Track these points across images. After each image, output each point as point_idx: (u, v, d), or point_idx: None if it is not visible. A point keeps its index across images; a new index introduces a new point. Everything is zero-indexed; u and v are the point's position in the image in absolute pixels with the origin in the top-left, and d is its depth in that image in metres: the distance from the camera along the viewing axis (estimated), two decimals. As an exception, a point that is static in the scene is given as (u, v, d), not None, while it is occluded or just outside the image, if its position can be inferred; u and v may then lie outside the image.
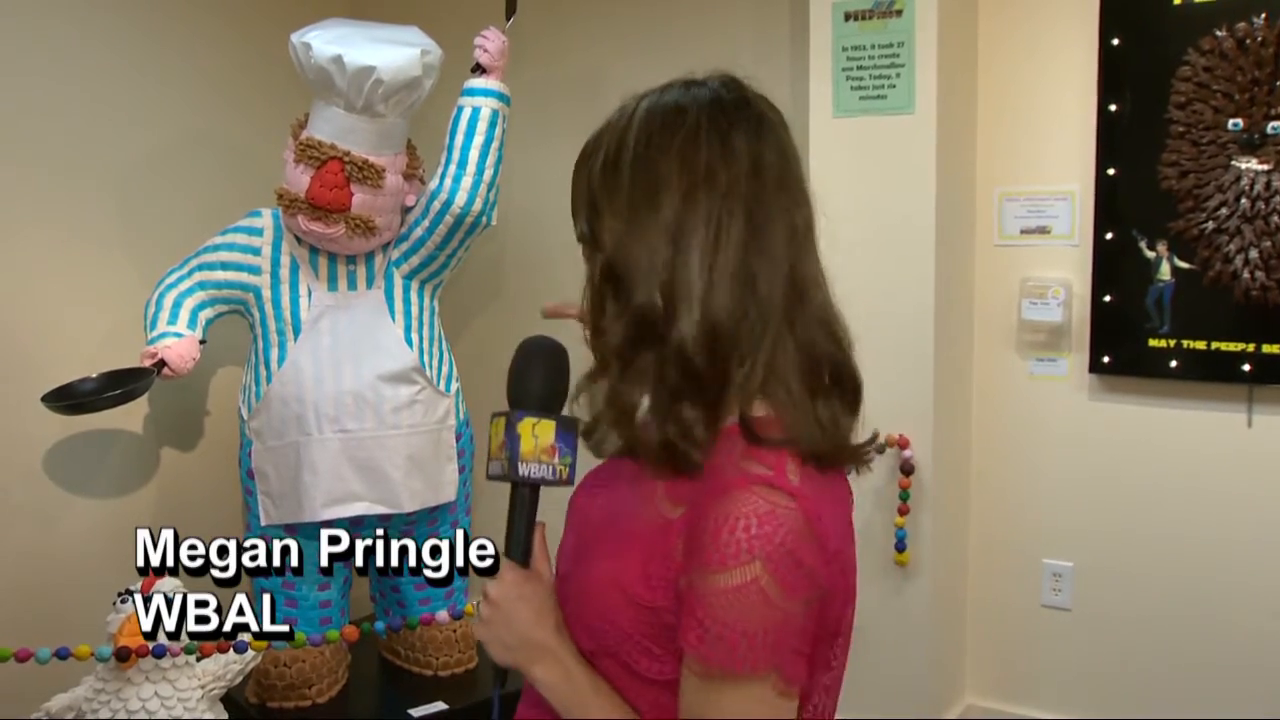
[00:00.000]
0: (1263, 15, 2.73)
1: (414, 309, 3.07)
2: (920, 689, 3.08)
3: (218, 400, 3.46)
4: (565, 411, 1.18)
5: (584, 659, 1.13)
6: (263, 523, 2.99)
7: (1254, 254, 2.78)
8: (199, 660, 2.71)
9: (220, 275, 3.01)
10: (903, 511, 2.98)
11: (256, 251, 3.02)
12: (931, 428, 2.98)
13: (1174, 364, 2.90)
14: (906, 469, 2.97)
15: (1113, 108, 2.93)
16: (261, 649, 2.75)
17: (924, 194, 2.94)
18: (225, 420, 3.35)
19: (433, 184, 2.98)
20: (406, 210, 3.04)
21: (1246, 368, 2.81)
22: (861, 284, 3.00)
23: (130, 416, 3.22)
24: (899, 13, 2.95)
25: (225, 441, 3.33)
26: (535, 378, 1.18)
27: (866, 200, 3.01)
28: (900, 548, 3.00)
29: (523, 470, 1.14)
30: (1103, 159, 2.95)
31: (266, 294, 2.99)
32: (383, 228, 2.96)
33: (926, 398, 2.97)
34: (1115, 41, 2.91)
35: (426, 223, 3.00)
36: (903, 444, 2.97)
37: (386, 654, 3.29)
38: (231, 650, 2.70)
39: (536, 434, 1.14)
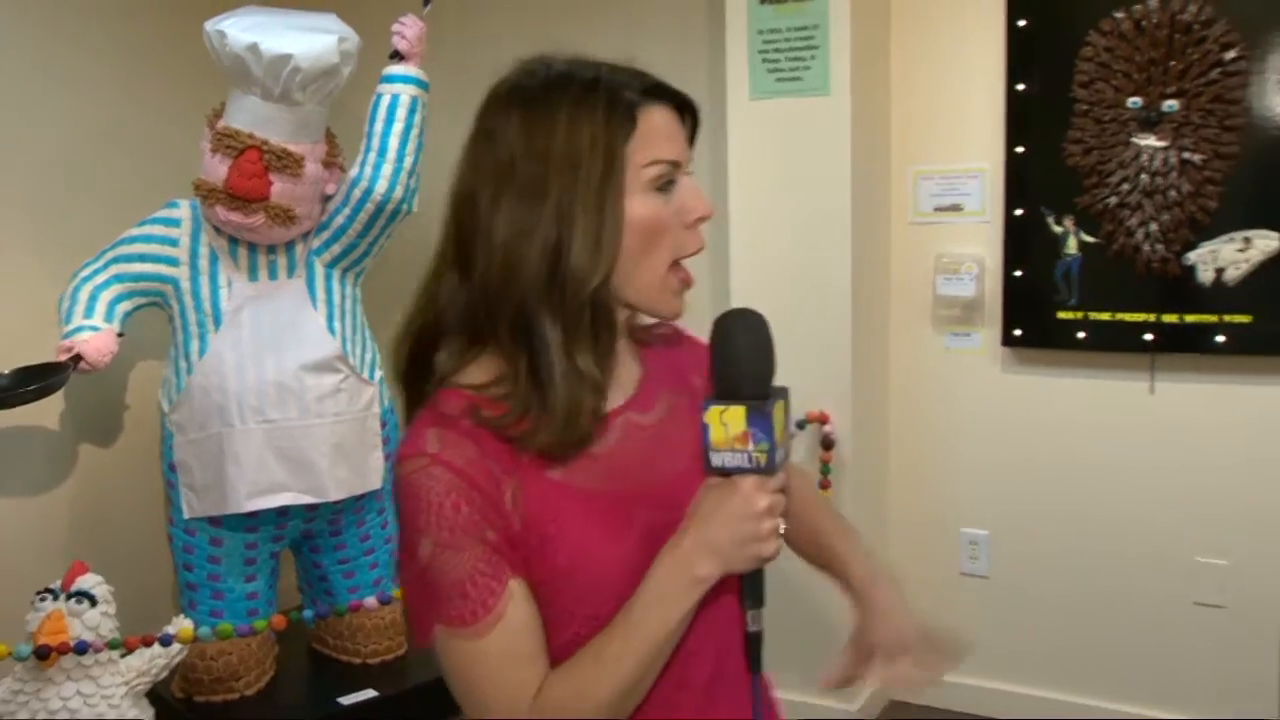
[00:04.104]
0: (1158, -2, 2.83)
1: (336, 297, 3.06)
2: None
3: (137, 394, 3.41)
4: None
5: None
6: (186, 515, 2.96)
7: (1154, 227, 2.89)
8: (123, 656, 2.68)
9: (138, 267, 2.97)
10: (825, 485, 3.04)
11: (175, 242, 2.98)
12: (850, 403, 3.04)
13: (1082, 335, 3.00)
14: (827, 444, 3.03)
15: (1020, 87, 3.02)
16: (189, 641, 2.73)
17: (840, 174, 3.00)
18: (145, 414, 3.31)
19: (353, 172, 2.97)
20: (327, 199, 3.03)
21: (1149, 337, 2.92)
22: (780, 263, 3.08)
23: (46, 413, 3.16)
24: (812, -4, 3.00)
25: (146, 435, 3.28)
26: (726, 360, 1.11)
27: (784, 181, 3.07)
28: (824, 521, 3.06)
29: (715, 460, 1.08)
30: (1012, 137, 3.04)
31: (186, 285, 2.96)
32: (303, 217, 2.94)
33: (845, 373, 3.03)
34: (1021, 23, 3.00)
35: (348, 211, 2.98)
36: (823, 419, 3.03)
37: (315, 644, 3.27)
38: (157, 644, 2.68)
39: (726, 422, 1.07)
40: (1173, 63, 2.82)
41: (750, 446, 1.07)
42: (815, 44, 3.01)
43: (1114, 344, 2.97)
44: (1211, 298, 2.86)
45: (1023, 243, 3.04)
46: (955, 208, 3.15)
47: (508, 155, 1.10)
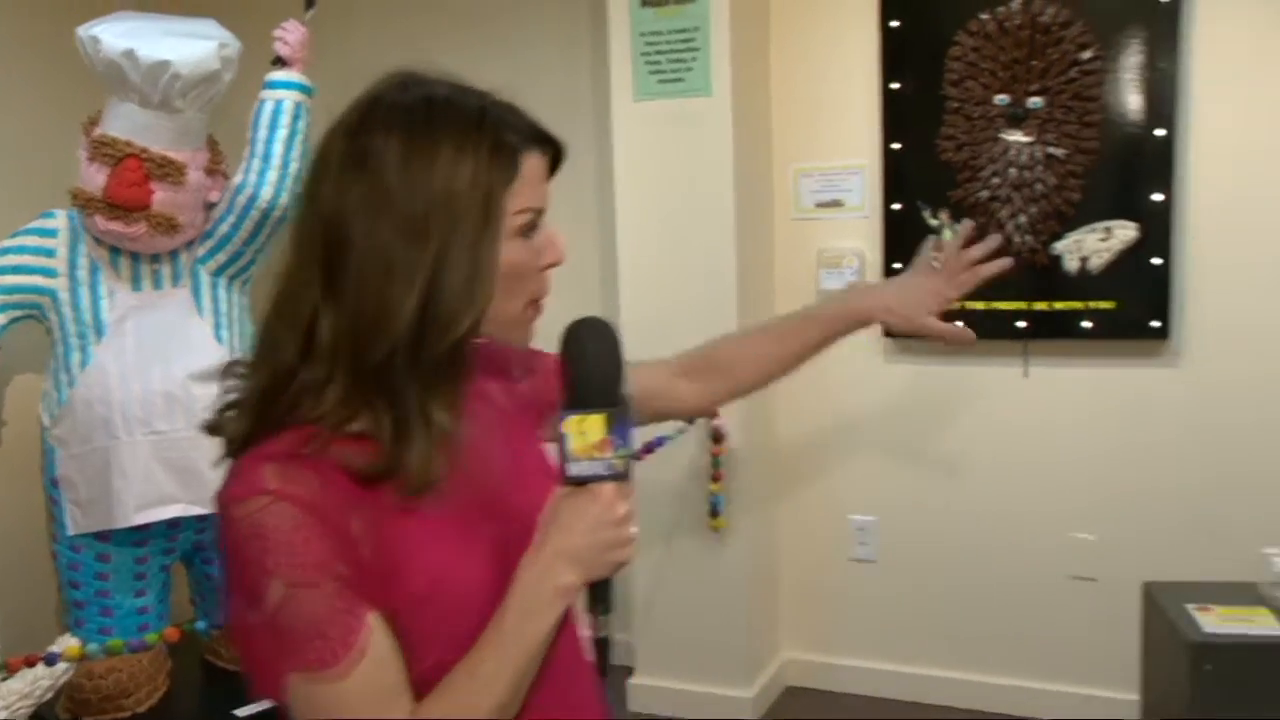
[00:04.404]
0: (1019, 1, 2.95)
1: (223, 305, 3.02)
2: (738, 646, 3.22)
3: (14, 409, 3.31)
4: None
5: None
6: (71, 532, 2.89)
7: (1023, 219, 3.02)
8: (4, 679, 2.61)
9: (12, 279, 2.89)
10: (717, 478, 3.11)
11: (51, 253, 2.91)
12: (741, 396, 3.11)
13: (959, 324, 3.09)
14: (717, 437, 3.10)
15: (895, 86, 3.12)
16: (76, 659, 2.67)
17: (723, 172, 3.06)
18: (23, 428, 3.22)
19: (237, 179, 2.94)
20: (210, 206, 2.99)
21: (1022, 324, 3.05)
22: (667, 261, 3.14)
23: (-82, 430, 3.06)
24: (693, -1, 3.07)
25: (23, 451, 3.19)
26: (579, 368, 1.11)
27: (669, 180, 3.13)
28: (715, 513, 3.12)
29: (574, 470, 1.07)
30: (888, 134, 3.14)
31: (65, 296, 2.90)
32: (186, 225, 2.90)
33: (734, 367, 3.10)
34: (894, 24, 3.10)
35: (233, 219, 2.96)
36: (713, 413, 3.09)
37: (209, 656, 3.23)
38: (41, 665, 2.62)
39: (584, 430, 1.07)
40: (1035, 61, 2.95)
41: (610, 454, 1.07)
42: (696, 46, 3.07)
43: (989, 331, 3.08)
44: (1078, 285, 2.99)
45: (901, 236, 3.15)
46: (836, 203, 3.24)
47: (384, 184, 1.04)
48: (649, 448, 3.04)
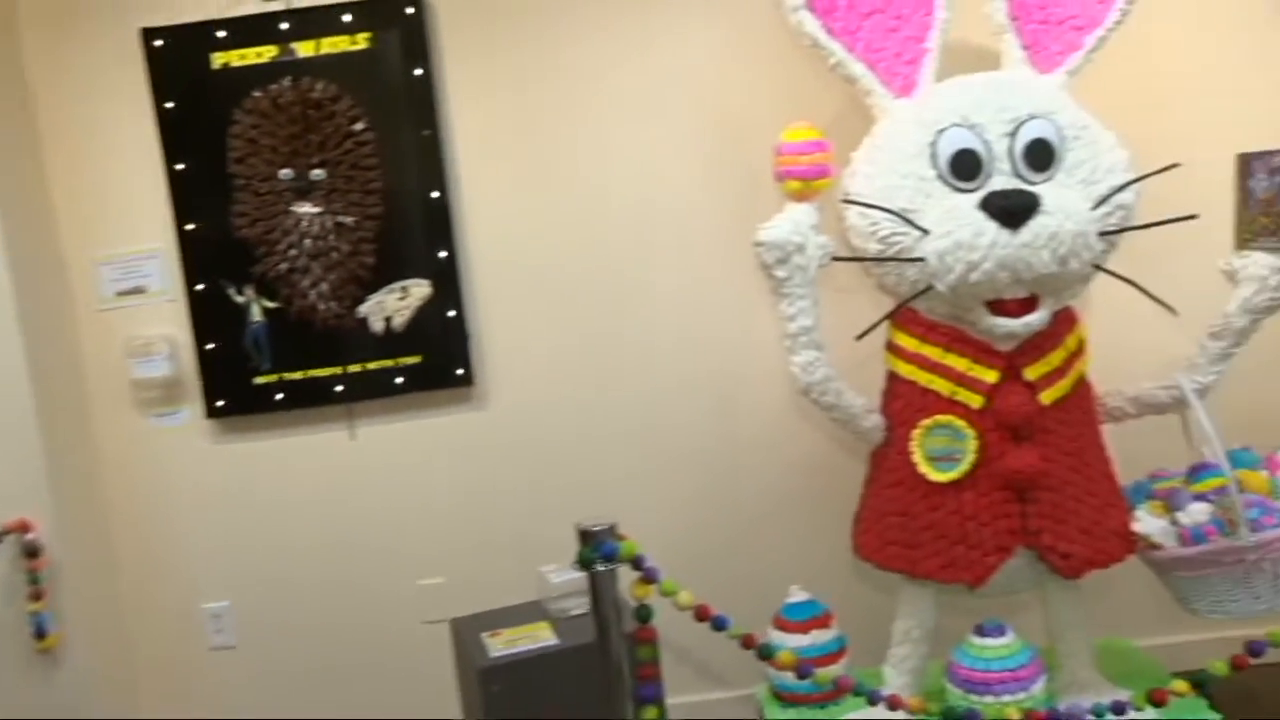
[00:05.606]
0: (289, 79, 3.04)
1: None
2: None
3: None
4: None
5: None
6: None
7: (325, 287, 3.10)
8: None
9: None
10: (37, 596, 2.89)
11: None
12: (53, 504, 2.92)
13: (280, 396, 3.14)
14: (32, 551, 2.88)
15: (180, 167, 3.08)
16: None
17: (-5, 272, 2.87)
18: None
19: None
20: None
21: (340, 388, 3.13)
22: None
23: None
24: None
25: None
26: None
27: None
28: (42, 634, 2.90)
29: None
30: (181, 215, 3.09)
31: None
32: None
33: (39, 474, 2.91)
34: (169, 105, 3.06)
35: None
36: (24, 528, 2.88)
37: None
38: None
39: None
40: (312, 136, 3.05)
41: None
42: (-53, 139, 2.85)
43: (311, 400, 3.14)
44: (386, 344, 3.13)
45: (210, 316, 3.11)
46: (139, 290, 3.14)
47: None
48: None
